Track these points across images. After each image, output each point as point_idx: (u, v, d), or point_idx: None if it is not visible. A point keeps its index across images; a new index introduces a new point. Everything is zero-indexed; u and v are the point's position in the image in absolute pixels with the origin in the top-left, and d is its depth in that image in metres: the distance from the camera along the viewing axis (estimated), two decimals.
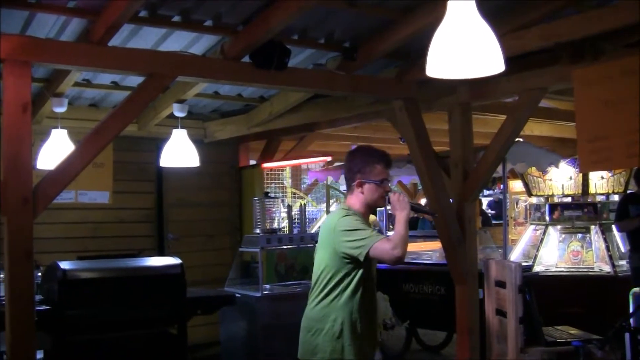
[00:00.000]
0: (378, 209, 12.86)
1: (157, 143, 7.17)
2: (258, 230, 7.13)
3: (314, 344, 3.48)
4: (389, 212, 10.45)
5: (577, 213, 7.90)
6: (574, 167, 8.08)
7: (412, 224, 12.45)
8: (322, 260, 3.54)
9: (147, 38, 4.78)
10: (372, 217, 11.18)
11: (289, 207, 7.50)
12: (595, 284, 7.33)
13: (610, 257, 7.43)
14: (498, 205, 13.15)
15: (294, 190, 9.28)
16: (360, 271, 3.47)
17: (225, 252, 8.23)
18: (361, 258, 3.38)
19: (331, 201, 10.57)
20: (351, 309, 3.46)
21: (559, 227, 7.92)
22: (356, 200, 3.60)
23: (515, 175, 9.52)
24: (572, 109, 4.79)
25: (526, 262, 7.69)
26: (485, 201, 14.57)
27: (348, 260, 3.44)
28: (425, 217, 11.67)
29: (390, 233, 9.52)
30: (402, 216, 3.44)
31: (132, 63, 4.25)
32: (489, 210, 13.90)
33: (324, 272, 3.50)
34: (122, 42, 4.73)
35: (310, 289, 3.61)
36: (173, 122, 6.49)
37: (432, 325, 7.82)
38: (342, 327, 3.44)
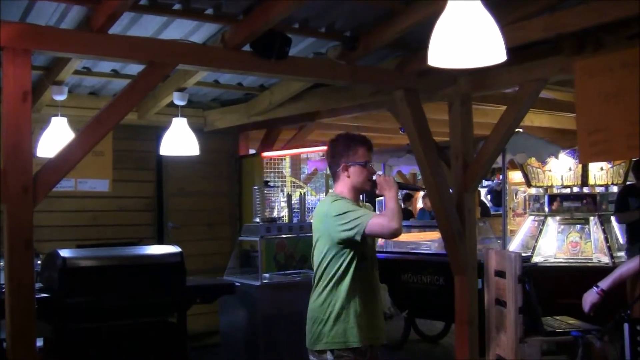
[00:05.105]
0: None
1: (157, 132, 7.16)
2: (258, 219, 7.12)
3: (318, 331, 3.52)
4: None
5: (576, 204, 7.89)
6: (573, 158, 8.07)
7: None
8: (321, 250, 3.56)
9: (147, 26, 4.77)
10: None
11: (289, 196, 7.49)
12: (594, 274, 7.30)
13: (609, 248, 7.42)
14: (497, 195, 13.07)
15: (293, 180, 9.24)
16: (357, 254, 3.51)
17: (225, 241, 8.24)
18: (358, 238, 3.41)
19: (330, 190, 10.51)
20: (350, 292, 3.49)
21: (557, 218, 7.91)
22: (343, 185, 3.65)
23: (514, 166, 9.51)
24: (572, 100, 4.79)
25: (525, 252, 7.70)
26: (483, 191, 14.49)
27: (344, 245, 3.47)
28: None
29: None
30: (391, 194, 3.52)
31: (133, 51, 4.23)
32: (488, 197, 13.83)
33: (324, 261, 3.53)
34: (122, 30, 4.72)
35: (313, 281, 3.63)
36: (173, 110, 6.47)
37: (431, 315, 7.85)
38: (341, 310, 3.48)
